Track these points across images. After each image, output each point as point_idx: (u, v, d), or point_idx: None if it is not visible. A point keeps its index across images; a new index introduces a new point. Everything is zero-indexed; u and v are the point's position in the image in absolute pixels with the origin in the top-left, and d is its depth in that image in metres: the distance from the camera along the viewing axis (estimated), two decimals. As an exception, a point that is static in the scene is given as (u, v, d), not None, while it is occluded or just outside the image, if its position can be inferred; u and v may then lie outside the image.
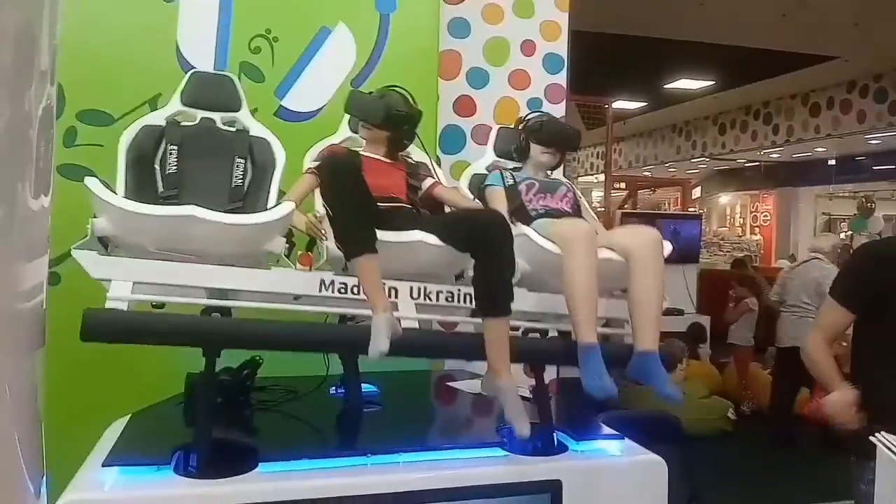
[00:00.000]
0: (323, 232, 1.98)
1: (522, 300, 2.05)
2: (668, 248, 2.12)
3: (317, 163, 2.27)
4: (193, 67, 2.91)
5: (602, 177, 8.31)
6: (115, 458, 1.78)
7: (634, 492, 1.98)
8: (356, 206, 1.81)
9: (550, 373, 3.68)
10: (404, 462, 1.90)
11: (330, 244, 1.92)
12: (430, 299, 1.98)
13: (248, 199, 2.18)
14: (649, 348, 1.96)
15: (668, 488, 2.00)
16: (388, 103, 2.30)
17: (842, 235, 14.02)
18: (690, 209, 12.00)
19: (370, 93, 2.38)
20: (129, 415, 2.13)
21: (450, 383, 2.81)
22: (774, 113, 12.01)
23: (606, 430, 2.19)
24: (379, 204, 2.08)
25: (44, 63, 1.10)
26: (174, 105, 2.30)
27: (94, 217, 1.78)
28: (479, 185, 2.47)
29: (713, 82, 10.61)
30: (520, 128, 2.52)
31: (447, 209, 2.37)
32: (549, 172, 2.50)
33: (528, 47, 3.77)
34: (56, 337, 2.33)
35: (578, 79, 4.29)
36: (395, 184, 2.25)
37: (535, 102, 3.76)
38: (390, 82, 2.46)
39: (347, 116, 2.47)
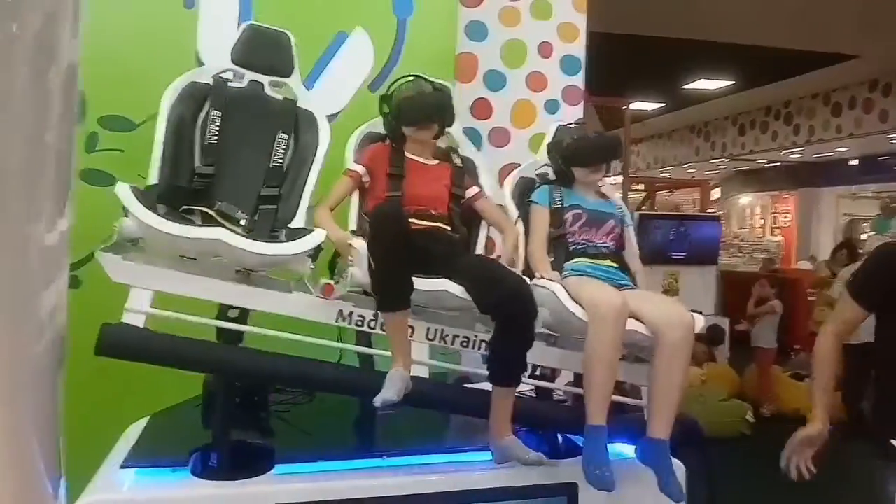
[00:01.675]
0: (350, 258, 1.91)
1: (543, 355, 2.05)
2: (700, 322, 2.03)
3: (357, 166, 2.23)
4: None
5: (620, 178, 8.24)
6: (134, 459, 1.80)
7: (652, 495, 1.96)
8: (397, 264, 1.81)
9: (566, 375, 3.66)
10: (420, 464, 1.90)
11: (356, 271, 1.88)
12: (445, 342, 1.98)
13: (284, 183, 2.11)
14: (662, 437, 1.93)
15: (686, 492, 1.99)
16: (442, 96, 2.27)
17: (863, 237, 13.86)
18: (710, 210, 11.90)
19: (389, 92, 2.31)
20: (148, 417, 2.15)
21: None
22: (795, 113, 11.87)
23: (624, 432, 2.17)
24: (420, 223, 2.08)
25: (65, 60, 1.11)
26: (224, 61, 2.23)
27: (124, 217, 1.78)
28: (523, 191, 2.38)
29: (732, 82, 10.51)
30: (554, 152, 2.37)
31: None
32: (599, 184, 2.39)
33: (545, 49, 3.77)
34: (75, 340, 2.37)
35: (596, 80, 4.28)
36: (439, 195, 2.21)
37: (553, 104, 3.75)
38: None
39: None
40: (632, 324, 1.97)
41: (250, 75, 2.24)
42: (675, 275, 6.99)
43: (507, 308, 1.84)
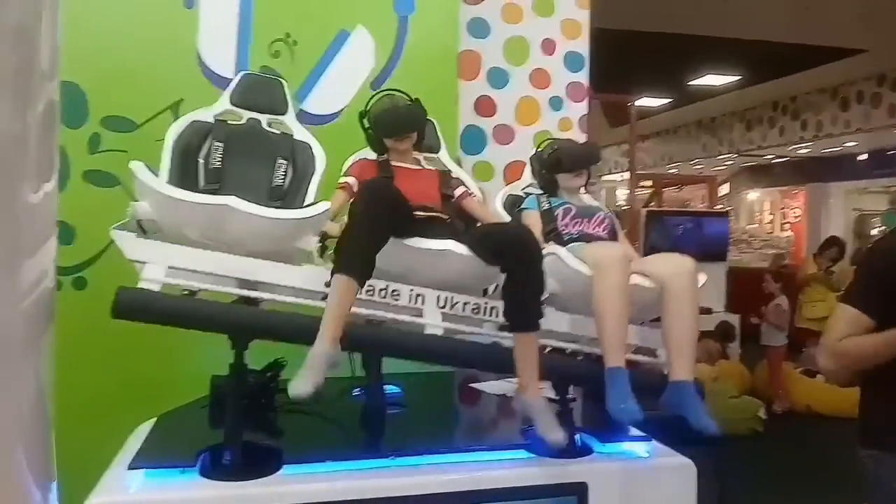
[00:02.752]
0: None
1: (554, 320, 2.02)
2: (703, 277, 2.09)
3: (348, 177, 2.30)
4: (214, 73, 2.93)
5: (627, 175, 8.21)
6: (141, 460, 1.79)
7: (662, 494, 1.95)
8: (373, 233, 1.77)
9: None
10: (428, 464, 1.89)
11: None
12: (456, 310, 1.96)
13: (286, 199, 2.22)
14: (685, 378, 1.92)
15: (697, 491, 1.97)
16: (416, 108, 2.35)
17: (873, 231, 13.77)
18: (718, 206, 11.85)
19: (367, 107, 2.40)
20: (155, 418, 2.14)
21: (473, 384, 2.79)
22: (803, 108, 11.80)
23: (633, 431, 2.16)
24: (417, 213, 2.08)
25: (44, 61, 1.10)
26: (223, 104, 2.35)
27: (136, 200, 1.80)
28: (513, 205, 2.47)
29: (739, 78, 10.45)
30: (537, 165, 2.52)
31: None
32: (582, 192, 2.50)
33: (548, 46, 3.75)
34: (82, 339, 2.38)
35: (601, 77, 4.25)
36: (429, 192, 2.26)
37: (557, 101, 3.74)
38: (410, 84, 2.46)
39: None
40: (637, 279, 2.01)
41: (248, 114, 2.36)
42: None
43: (513, 245, 1.86)
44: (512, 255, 1.86)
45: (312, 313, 1.80)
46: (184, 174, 2.15)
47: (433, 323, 1.91)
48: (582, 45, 3.81)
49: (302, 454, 1.85)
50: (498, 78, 3.67)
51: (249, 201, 1.84)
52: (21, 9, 1.02)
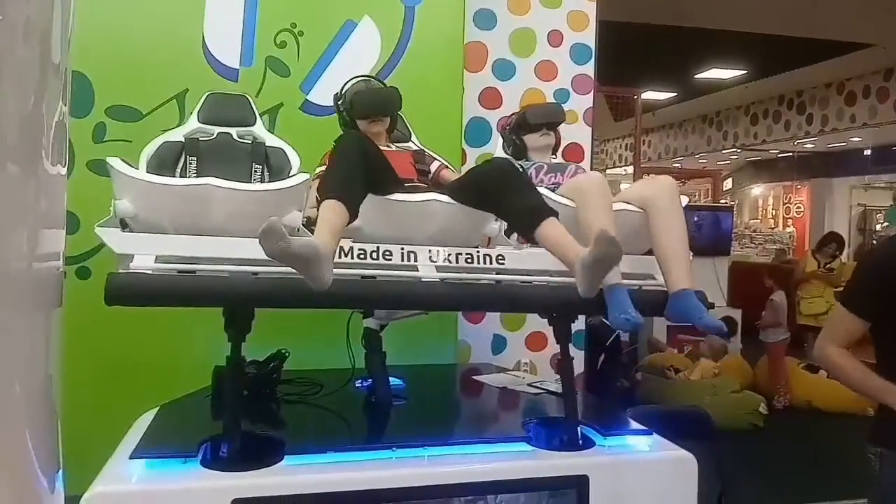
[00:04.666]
0: None
1: (550, 260, 1.98)
2: (683, 199, 2.14)
3: (324, 167, 2.27)
4: (220, 63, 2.93)
5: (631, 169, 8.19)
6: (143, 450, 1.79)
7: (663, 488, 1.95)
8: (352, 167, 1.79)
9: (578, 367, 3.65)
10: (430, 456, 1.89)
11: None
12: (449, 261, 1.96)
13: None
14: (684, 286, 1.94)
15: (697, 484, 1.97)
16: (392, 92, 2.42)
17: (878, 227, 13.73)
18: (722, 201, 11.82)
19: (341, 90, 2.47)
20: (157, 407, 2.15)
21: (476, 377, 2.80)
22: (808, 102, 11.75)
23: (635, 425, 2.16)
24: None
25: (55, 55, 1.10)
26: (192, 123, 2.37)
27: (115, 199, 1.79)
28: None
29: (745, 71, 10.40)
30: (506, 131, 2.58)
31: None
32: (553, 156, 2.56)
33: (555, 38, 3.73)
34: (86, 330, 2.38)
35: (606, 69, 4.24)
36: (407, 169, 2.31)
37: (563, 94, 3.72)
38: (416, 75, 2.48)
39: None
40: (620, 205, 2.06)
41: (218, 129, 2.37)
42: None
43: (492, 176, 1.90)
44: (494, 178, 1.89)
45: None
46: None
47: (428, 275, 1.90)
48: (588, 38, 3.79)
49: (304, 445, 1.86)
50: (504, 70, 3.66)
51: None
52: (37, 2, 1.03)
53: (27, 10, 0.96)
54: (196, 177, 2.18)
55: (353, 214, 1.74)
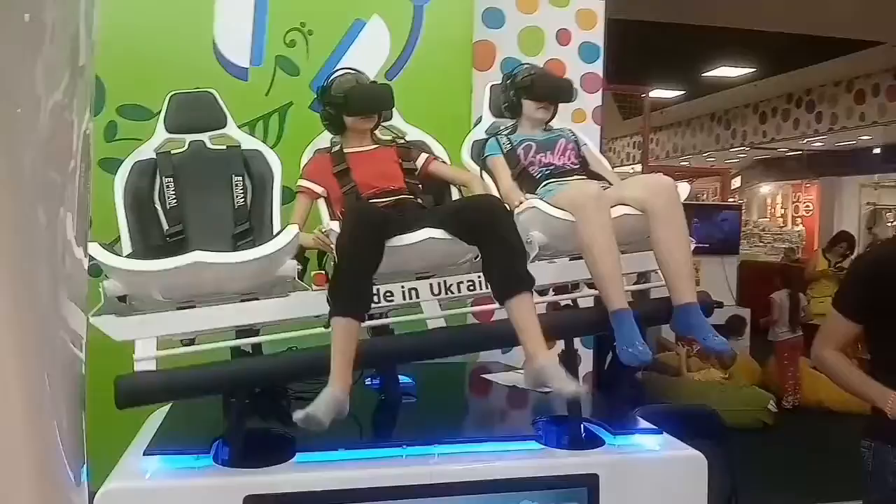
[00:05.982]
0: (331, 245, 1.89)
1: (545, 273, 2.02)
2: (684, 190, 2.08)
3: (305, 181, 2.24)
4: (230, 62, 2.95)
5: (639, 167, 8.18)
6: (157, 446, 1.81)
7: (674, 487, 1.94)
8: (363, 262, 1.73)
9: (586, 366, 3.65)
10: (440, 454, 1.90)
11: None
12: (452, 292, 1.96)
13: (252, 217, 2.20)
14: (688, 300, 1.91)
15: (708, 484, 1.97)
16: (386, 87, 2.31)
17: (888, 225, 13.64)
18: (730, 199, 11.76)
19: (328, 84, 2.31)
20: (170, 404, 2.16)
21: (485, 375, 2.80)
22: (817, 100, 11.68)
23: (644, 424, 2.16)
24: (382, 200, 2.09)
25: (82, 59, 1.11)
26: (160, 134, 2.29)
27: (104, 279, 1.76)
28: (479, 151, 2.41)
29: (753, 70, 10.35)
30: (508, 83, 2.45)
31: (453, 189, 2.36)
32: (544, 126, 2.45)
33: (563, 36, 3.73)
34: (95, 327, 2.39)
35: (615, 67, 4.23)
36: (390, 172, 2.22)
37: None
38: (424, 74, 2.46)
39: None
40: (620, 210, 1.99)
41: (189, 138, 2.30)
42: (696, 265, 6.85)
43: (482, 219, 1.79)
44: (483, 228, 1.79)
45: (314, 341, 1.83)
46: (144, 225, 2.11)
47: (433, 315, 1.92)
48: (597, 36, 3.78)
49: (314, 442, 1.86)
50: (512, 68, 3.65)
51: (218, 235, 1.89)
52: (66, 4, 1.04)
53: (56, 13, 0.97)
54: (177, 202, 2.14)
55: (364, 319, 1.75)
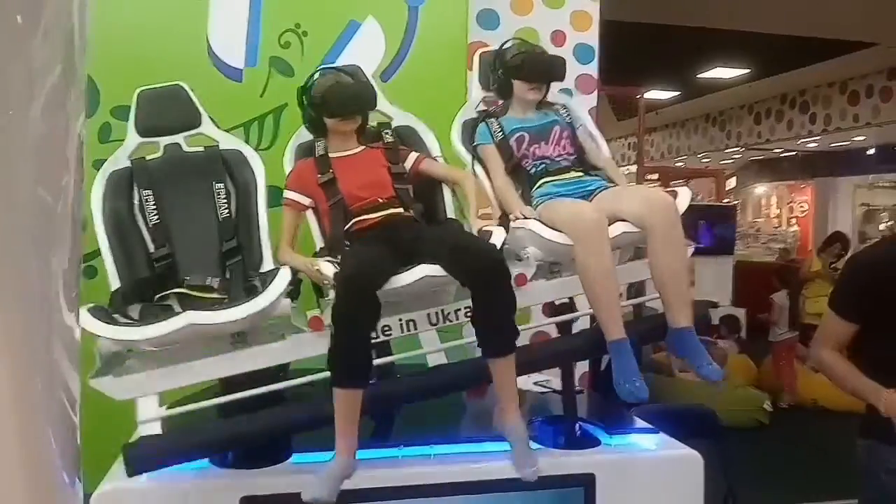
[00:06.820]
0: (326, 282, 1.85)
1: (544, 291, 2.01)
2: (686, 195, 2.03)
3: (290, 192, 2.13)
4: (224, 63, 2.94)
5: (634, 168, 8.19)
6: (152, 448, 1.80)
7: (670, 487, 1.95)
8: (360, 330, 1.69)
9: (582, 365, 3.64)
10: (436, 454, 1.90)
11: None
12: (450, 320, 1.94)
13: (239, 230, 2.10)
14: (684, 325, 1.88)
15: (704, 483, 1.97)
16: (367, 87, 2.20)
17: (881, 226, 13.69)
18: (725, 200, 11.80)
19: (309, 84, 2.18)
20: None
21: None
22: (811, 102, 11.72)
23: (640, 423, 2.16)
24: (371, 216, 2.02)
25: (76, 60, 1.10)
26: (132, 138, 2.17)
27: (98, 338, 1.72)
28: (470, 134, 2.31)
29: (748, 71, 10.38)
30: (496, 62, 2.31)
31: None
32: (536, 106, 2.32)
33: (558, 38, 3.73)
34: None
35: (610, 69, 4.23)
36: (378, 180, 2.11)
37: (566, 93, 3.71)
38: (419, 75, 2.43)
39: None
40: (618, 227, 1.94)
41: (163, 140, 2.18)
42: (691, 265, 6.89)
43: (481, 272, 1.74)
44: (482, 282, 1.74)
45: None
46: (128, 249, 2.02)
47: (432, 350, 1.93)
48: (591, 38, 3.78)
49: (311, 443, 1.86)
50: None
51: (205, 255, 1.90)
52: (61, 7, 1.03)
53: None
54: (159, 219, 2.04)
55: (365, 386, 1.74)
